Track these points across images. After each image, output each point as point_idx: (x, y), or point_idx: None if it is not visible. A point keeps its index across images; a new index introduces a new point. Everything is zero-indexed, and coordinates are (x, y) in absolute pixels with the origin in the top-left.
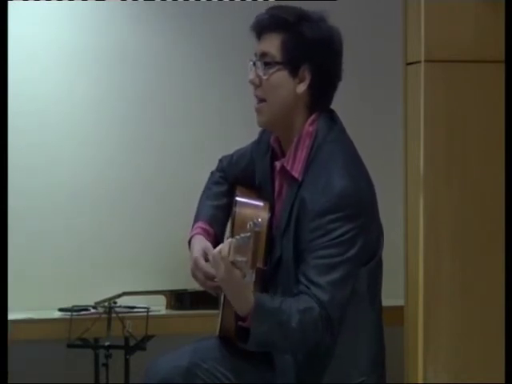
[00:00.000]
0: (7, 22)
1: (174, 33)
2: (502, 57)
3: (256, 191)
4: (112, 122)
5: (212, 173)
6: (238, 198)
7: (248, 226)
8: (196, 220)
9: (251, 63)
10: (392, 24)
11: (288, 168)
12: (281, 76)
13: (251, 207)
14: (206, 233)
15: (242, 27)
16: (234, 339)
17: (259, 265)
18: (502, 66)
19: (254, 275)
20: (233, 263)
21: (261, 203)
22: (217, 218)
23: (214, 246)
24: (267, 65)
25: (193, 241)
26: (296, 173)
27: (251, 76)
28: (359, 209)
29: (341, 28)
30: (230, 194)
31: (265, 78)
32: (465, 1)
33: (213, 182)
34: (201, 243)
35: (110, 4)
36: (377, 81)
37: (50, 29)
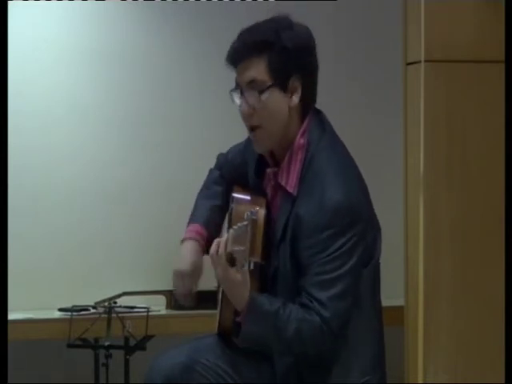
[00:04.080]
0: (7, 22)
1: (173, 33)
2: (502, 57)
3: (251, 190)
4: (112, 122)
5: (210, 170)
6: (234, 194)
7: (245, 215)
8: (192, 220)
9: (237, 93)
10: (392, 24)
11: (282, 183)
12: (274, 97)
13: (248, 203)
14: (200, 237)
15: (242, 27)
16: (229, 333)
17: (257, 259)
18: (502, 66)
19: (252, 264)
20: (230, 257)
21: (257, 199)
22: (213, 219)
23: (208, 249)
24: (261, 92)
25: (185, 245)
26: (291, 188)
27: (244, 108)
28: (354, 220)
29: (341, 28)
30: (228, 194)
31: (259, 106)
32: (465, 1)
33: (211, 181)
34: (193, 254)
35: (110, 4)
36: (377, 81)
37: (49, 29)
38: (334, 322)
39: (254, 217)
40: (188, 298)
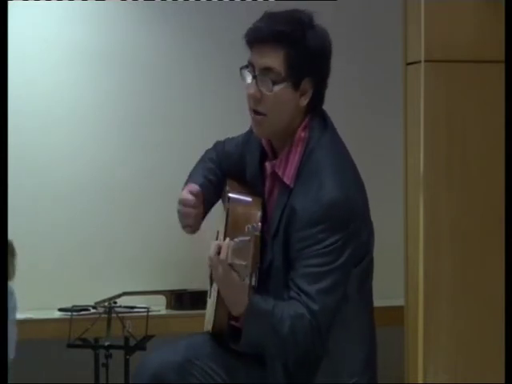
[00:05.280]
0: (7, 22)
1: (173, 33)
2: (502, 57)
3: (248, 186)
4: (112, 122)
5: (207, 150)
6: (230, 195)
7: (246, 229)
8: (188, 182)
9: (250, 76)
10: (392, 24)
11: (279, 174)
12: (286, 92)
13: (244, 204)
14: (197, 192)
15: (242, 27)
16: (223, 335)
17: (256, 269)
18: (502, 66)
19: (254, 278)
20: (231, 265)
21: (254, 199)
22: (207, 190)
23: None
24: (274, 83)
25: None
26: (288, 179)
27: (251, 90)
28: (349, 217)
29: (341, 27)
30: (222, 177)
31: (269, 94)
32: (465, 1)
33: (209, 158)
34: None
35: (110, 4)
36: (377, 81)
37: (49, 29)
38: (322, 317)
39: (256, 232)
40: (191, 218)
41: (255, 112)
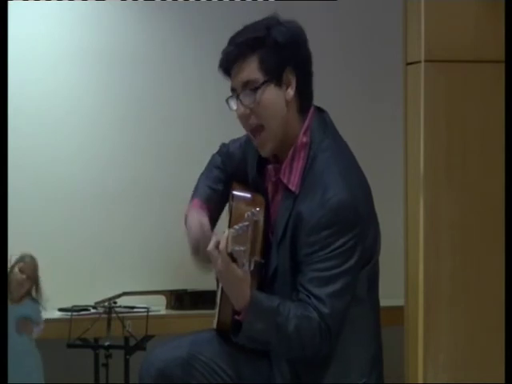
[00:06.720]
0: (7, 22)
1: (173, 33)
2: (502, 57)
3: (251, 187)
4: (112, 122)
5: (213, 156)
6: (234, 192)
7: (246, 215)
8: (194, 196)
9: (233, 98)
10: (392, 24)
11: (285, 181)
12: (270, 93)
13: (248, 201)
14: (203, 210)
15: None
16: (228, 332)
17: (256, 257)
18: (502, 66)
19: (252, 264)
20: (231, 254)
21: (257, 197)
22: (213, 201)
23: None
24: (255, 90)
25: (191, 213)
26: (293, 186)
27: (239, 111)
28: (356, 220)
29: (341, 28)
30: (228, 183)
31: (255, 104)
32: (465, 1)
33: (213, 165)
34: (199, 218)
35: (110, 4)
36: (377, 81)
37: (50, 29)
38: (332, 319)
39: (255, 218)
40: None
41: (252, 130)
